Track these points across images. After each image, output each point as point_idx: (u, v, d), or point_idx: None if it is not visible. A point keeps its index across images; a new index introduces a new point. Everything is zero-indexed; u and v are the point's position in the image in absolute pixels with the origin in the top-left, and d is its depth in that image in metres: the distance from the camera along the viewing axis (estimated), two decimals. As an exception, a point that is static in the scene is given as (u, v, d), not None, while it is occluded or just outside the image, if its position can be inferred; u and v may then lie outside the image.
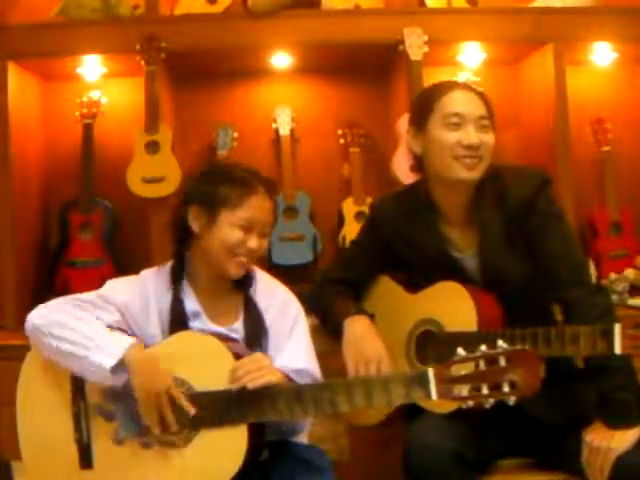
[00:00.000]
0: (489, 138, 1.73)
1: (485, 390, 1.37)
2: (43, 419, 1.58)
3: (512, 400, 1.37)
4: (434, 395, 1.41)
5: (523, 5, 2.85)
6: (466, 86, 1.81)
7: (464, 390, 1.38)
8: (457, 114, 1.72)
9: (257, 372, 1.51)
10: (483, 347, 1.38)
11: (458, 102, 1.73)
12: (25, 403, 1.60)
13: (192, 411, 1.50)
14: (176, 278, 1.67)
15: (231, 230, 1.61)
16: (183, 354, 1.54)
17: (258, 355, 1.57)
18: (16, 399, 1.60)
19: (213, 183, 1.65)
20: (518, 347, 1.38)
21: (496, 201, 1.74)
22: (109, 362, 1.48)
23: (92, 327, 1.54)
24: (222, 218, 1.62)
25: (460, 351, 1.40)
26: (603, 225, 2.86)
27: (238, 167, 1.70)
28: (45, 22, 2.71)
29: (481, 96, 1.76)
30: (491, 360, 1.37)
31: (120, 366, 1.49)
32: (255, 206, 1.62)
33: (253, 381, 1.49)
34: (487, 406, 1.38)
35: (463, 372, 1.38)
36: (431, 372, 1.41)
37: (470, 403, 1.38)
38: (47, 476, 1.57)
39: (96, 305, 1.60)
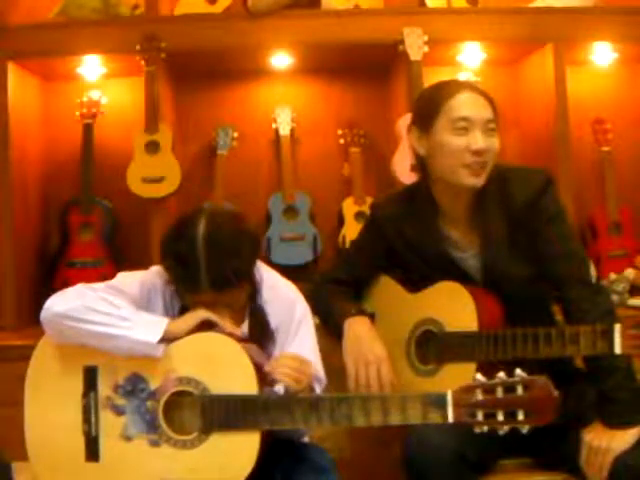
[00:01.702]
0: (495, 142, 1.72)
1: (500, 417, 1.38)
2: (52, 409, 1.57)
3: (525, 429, 1.38)
4: (451, 418, 1.42)
5: (523, 5, 2.85)
6: (473, 87, 1.77)
7: (480, 415, 1.39)
8: (465, 118, 1.70)
9: (291, 371, 1.51)
10: (501, 374, 1.40)
11: (466, 105, 1.71)
12: (34, 392, 1.59)
13: (238, 331, 1.54)
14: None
15: (191, 304, 1.60)
16: (200, 355, 1.53)
17: (306, 360, 1.57)
18: (25, 387, 1.60)
19: (170, 265, 1.59)
20: (536, 377, 1.39)
21: (499, 201, 1.74)
22: (155, 337, 1.50)
23: (123, 307, 1.55)
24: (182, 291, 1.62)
25: (479, 377, 1.41)
26: (603, 225, 2.86)
27: (202, 257, 1.53)
28: (45, 22, 2.72)
29: (487, 98, 1.74)
30: (508, 387, 1.38)
31: (161, 339, 1.51)
32: (205, 300, 1.57)
33: (281, 375, 1.50)
34: (501, 433, 1.39)
35: (480, 397, 1.39)
36: (449, 395, 1.42)
37: (485, 428, 1.40)
38: (52, 466, 1.57)
39: (110, 293, 1.60)
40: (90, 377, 1.56)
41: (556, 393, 1.38)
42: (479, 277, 1.76)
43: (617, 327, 1.54)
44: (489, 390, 1.39)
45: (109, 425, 1.54)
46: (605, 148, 2.89)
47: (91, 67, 2.80)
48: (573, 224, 1.84)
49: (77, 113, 2.82)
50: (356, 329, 1.78)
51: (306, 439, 1.70)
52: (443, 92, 1.75)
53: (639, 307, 2.46)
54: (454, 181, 1.72)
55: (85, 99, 2.83)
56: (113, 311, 1.53)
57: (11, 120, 2.62)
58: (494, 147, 1.71)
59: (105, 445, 1.54)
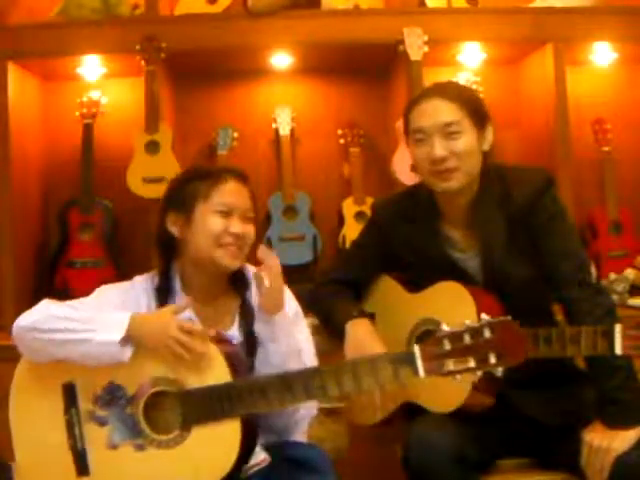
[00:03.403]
0: (461, 144, 1.69)
1: (472, 363, 1.37)
2: (37, 428, 1.58)
3: (499, 371, 1.37)
4: (421, 372, 1.41)
5: (523, 5, 2.85)
6: (434, 91, 1.74)
7: (451, 365, 1.38)
8: (420, 129, 1.71)
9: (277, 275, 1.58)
10: (467, 321, 1.39)
11: (420, 116, 1.72)
12: (18, 412, 1.60)
13: (212, 332, 1.54)
14: (163, 296, 1.66)
15: (211, 219, 1.61)
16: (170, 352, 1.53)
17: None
18: (9, 411, 1.60)
19: (181, 185, 1.67)
20: (501, 318, 1.38)
21: (499, 201, 1.74)
22: (117, 336, 1.49)
23: (88, 312, 1.55)
24: (198, 212, 1.63)
25: (444, 327, 1.40)
26: (603, 225, 2.86)
27: (204, 165, 1.71)
28: (45, 22, 2.72)
29: (452, 99, 1.70)
30: (475, 333, 1.37)
31: (126, 339, 1.50)
32: (228, 191, 1.63)
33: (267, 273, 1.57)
34: (475, 379, 1.39)
35: (449, 347, 1.38)
36: (417, 349, 1.42)
37: (458, 377, 1.38)
38: None
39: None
40: (69, 393, 1.56)
41: (524, 329, 1.38)
42: (479, 277, 1.76)
43: (618, 327, 1.54)
44: (456, 338, 1.38)
45: (94, 437, 1.54)
46: (605, 148, 2.89)
47: (91, 67, 2.80)
48: (573, 224, 1.83)
49: (77, 113, 2.83)
50: (357, 331, 1.77)
51: (304, 439, 1.70)
52: (409, 105, 1.77)
53: (639, 307, 2.46)
54: (431, 187, 1.74)
55: (85, 99, 2.83)
56: (75, 316, 1.53)
57: (11, 120, 2.61)
58: (460, 150, 1.69)
59: (93, 457, 1.54)
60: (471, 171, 1.72)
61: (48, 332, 1.52)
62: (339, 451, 1.94)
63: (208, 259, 1.62)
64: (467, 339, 1.37)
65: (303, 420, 1.67)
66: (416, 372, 1.41)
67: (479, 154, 1.73)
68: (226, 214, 1.61)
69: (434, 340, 1.40)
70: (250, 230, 1.65)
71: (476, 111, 1.72)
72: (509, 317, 1.39)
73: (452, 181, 1.70)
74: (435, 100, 1.71)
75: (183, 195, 1.65)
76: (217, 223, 1.61)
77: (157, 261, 1.73)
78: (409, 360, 1.42)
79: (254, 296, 1.67)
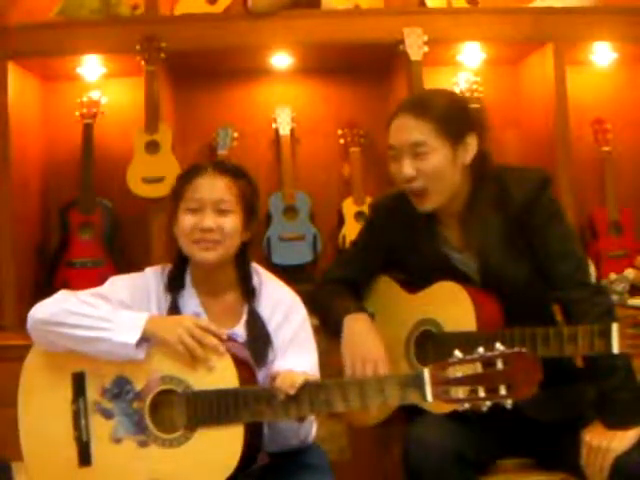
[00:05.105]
0: (429, 164, 1.66)
1: (482, 393, 1.36)
2: (44, 417, 1.58)
3: (509, 403, 1.36)
4: (429, 397, 1.40)
5: (523, 5, 2.85)
6: (407, 107, 1.71)
7: (460, 392, 1.37)
8: (392, 146, 1.71)
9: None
10: (480, 349, 1.37)
11: (393, 132, 1.71)
12: (26, 401, 1.60)
13: (224, 334, 1.54)
14: (173, 287, 1.67)
15: (183, 217, 1.62)
16: (180, 352, 1.53)
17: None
18: (17, 397, 1.60)
19: (172, 189, 1.70)
20: (516, 349, 1.37)
21: (496, 201, 1.73)
22: (133, 338, 1.50)
23: (104, 309, 1.55)
24: (179, 212, 1.65)
25: (457, 353, 1.39)
26: (603, 225, 2.86)
27: (192, 164, 1.73)
28: (45, 22, 2.72)
29: (421, 116, 1.66)
30: (488, 362, 1.36)
31: (142, 340, 1.51)
32: (199, 186, 1.63)
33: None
34: (484, 409, 1.37)
35: (459, 374, 1.37)
36: (427, 374, 1.41)
37: (466, 405, 1.37)
38: (47, 473, 1.58)
39: (94, 297, 1.61)
40: (78, 383, 1.57)
41: (538, 363, 1.36)
42: (477, 277, 1.75)
43: (615, 326, 1.54)
44: (468, 366, 1.37)
45: (99, 429, 1.55)
46: (605, 148, 2.90)
47: (91, 67, 2.80)
48: (572, 224, 1.83)
49: (77, 113, 2.83)
50: (355, 326, 1.77)
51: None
52: (389, 117, 1.74)
53: (639, 307, 2.46)
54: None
55: (85, 99, 2.83)
56: (93, 313, 1.54)
57: (11, 120, 2.62)
58: (426, 169, 1.67)
59: (96, 449, 1.55)
60: (446, 189, 1.70)
61: (64, 327, 1.53)
62: (339, 451, 1.94)
63: (191, 257, 1.64)
64: (479, 368, 1.36)
65: (311, 426, 1.66)
66: (424, 397, 1.41)
67: (454, 170, 1.69)
68: (196, 210, 1.62)
69: (444, 365, 1.39)
70: (224, 222, 1.62)
71: (451, 126, 1.67)
72: (524, 349, 1.37)
73: (426, 204, 1.71)
74: (405, 117, 1.69)
75: (172, 196, 1.68)
76: (188, 221, 1.62)
77: (158, 260, 1.73)
78: (418, 383, 1.41)
79: (262, 298, 1.68)
